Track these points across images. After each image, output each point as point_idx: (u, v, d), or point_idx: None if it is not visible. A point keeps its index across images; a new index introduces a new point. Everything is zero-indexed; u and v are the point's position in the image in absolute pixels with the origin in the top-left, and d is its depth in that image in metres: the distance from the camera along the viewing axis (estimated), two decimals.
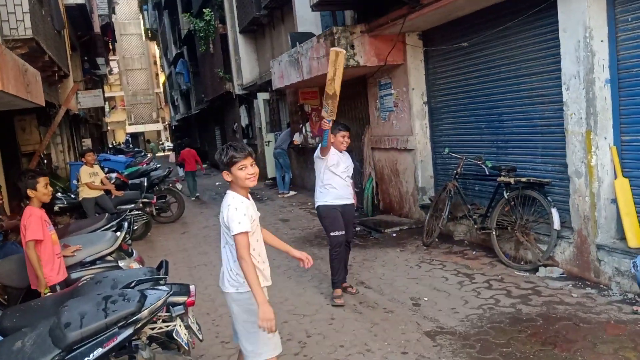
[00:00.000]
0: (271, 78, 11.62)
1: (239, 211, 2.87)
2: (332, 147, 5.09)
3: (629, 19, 4.72)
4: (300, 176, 13.92)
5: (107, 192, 8.73)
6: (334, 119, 5.01)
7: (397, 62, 8.00)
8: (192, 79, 27.04)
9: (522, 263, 5.68)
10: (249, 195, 3.07)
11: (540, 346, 3.89)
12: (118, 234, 5.10)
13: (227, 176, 2.97)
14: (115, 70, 49.53)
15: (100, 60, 24.33)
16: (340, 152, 5.26)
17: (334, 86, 4.85)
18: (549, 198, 5.46)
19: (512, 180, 5.76)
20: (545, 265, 5.44)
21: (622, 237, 4.92)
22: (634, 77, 4.76)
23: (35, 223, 4.01)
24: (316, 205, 5.30)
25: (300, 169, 13.92)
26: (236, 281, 2.94)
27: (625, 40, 4.78)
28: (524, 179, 5.71)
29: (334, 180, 5.18)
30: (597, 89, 4.90)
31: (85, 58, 21.71)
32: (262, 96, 15.46)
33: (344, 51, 4.88)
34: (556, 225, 5.31)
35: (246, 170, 2.92)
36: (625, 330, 4.03)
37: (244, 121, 17.90)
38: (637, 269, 4.34)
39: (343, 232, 5.14)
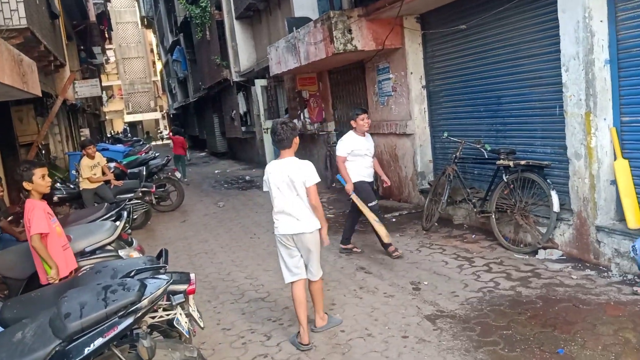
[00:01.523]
0: (268, 64, 11.55)
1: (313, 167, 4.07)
2: (354, 133, 6.06)
3: None
4: None
5: (107, 181, 8.71)
6: None
7: (395, 46, 7.94)
8: (189, 66, 26.85)
9: (521, 246, 5.69)
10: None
11: (540, 328, 3.90)
12: (117, 223, 5.09)
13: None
14: (112, 59, 49.21)
15: (96, 49, 24.14)
16: (364, 135, 6.09)
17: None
18: (548, 180, 5.45)
19: (511, 163, 5.74)
20: (544, 248, 5.45)
21: (622, 219, 4.92)
22: (634, 57, 4.73)
23: (38, 216, 3.96)
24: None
25: (299, 156, 13.85)
26: (314, 222, 4.04)
27: (625, 20, 4.73)
28: (523, 162, 5.69)
29: (363, 160, 6.11)
30: (597, 70, 4.86)
31: (82, 47, 21.56)
32: (259, 83, 15.37)
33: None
34: (555, 207, 5.30)
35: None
36: (625, 311, 4.05)
37: (242, 108, 17.82)
38: (636, 253, 4.34)
39: (376, 202, 6.13)
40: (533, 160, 5.73)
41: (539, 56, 5.67)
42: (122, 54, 55.66)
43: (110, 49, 44.27)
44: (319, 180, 4.03)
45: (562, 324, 3.93)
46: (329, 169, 10.96)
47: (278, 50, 10.50)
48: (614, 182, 4.97)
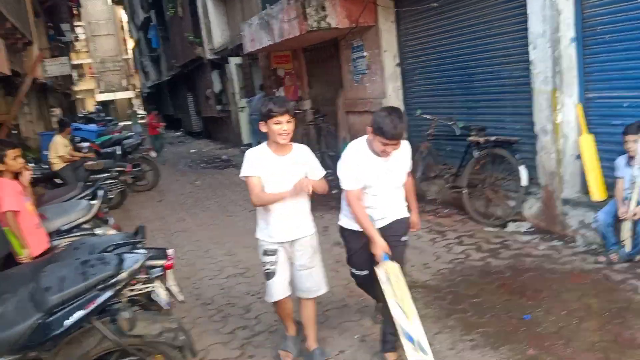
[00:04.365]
0: (242, 42, 11.46)
1: (247, 159, 3.18)
2: (367, 146, 3.22)
3: None
4: None
5: (83, 160, 8.70)
6: None
7: (369, 24, 7.97)
8: (161, 44, 26.38)
9: (492, 219, 5.87)
10: (288, 151, 3.19)
11: (508, 296, 4.09)
12: (93, 202, 5.09)
13: (262, 127, 3.14)
14: (82, 36, 47.92)
15: (65, 27, 23.51)
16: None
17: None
18: (516, 156, 5.62)
19: (481, 140, 5.90)
20: (514, 221, 5.64)
21: (586, 192, 5.12)
22: (599, 35, 4.87)
23: (9, 195, 3.98)
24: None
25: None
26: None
27: None
28: (493, 138, 5.85)
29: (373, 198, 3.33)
30: (563, 48, 5.00)
31: (50, 24, 20.97)
32: (234, 61, 15.24)
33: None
34: (524, 181, 5.49)
35: (280, 126, 3.05)
36: (588, 279, 4.26)
37: (217, 87, 17.66)
38: (597, 223, 4.55)
39: (364, 272, 3.46)
40: (503, 136, 5.89)
41: (509, 34, 5.78)
42: (92, 31, 54.22)
43: (80, 26, 43.04)
44: (247, 174, 3.23)
45: (529, 291, 4.12)
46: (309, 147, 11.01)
47: (252, 27, 10.42)
48: (579, 157, 5.15)
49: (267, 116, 3.08)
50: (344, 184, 3.23)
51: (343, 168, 3.23)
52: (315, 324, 3.48)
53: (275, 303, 3.41)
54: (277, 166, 3.17)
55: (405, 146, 3.29)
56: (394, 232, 3.30)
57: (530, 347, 3.33)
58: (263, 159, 3.18)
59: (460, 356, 3.34)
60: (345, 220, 3.44)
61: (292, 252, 3.32)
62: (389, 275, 3.08)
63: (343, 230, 3.50)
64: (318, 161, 3.33)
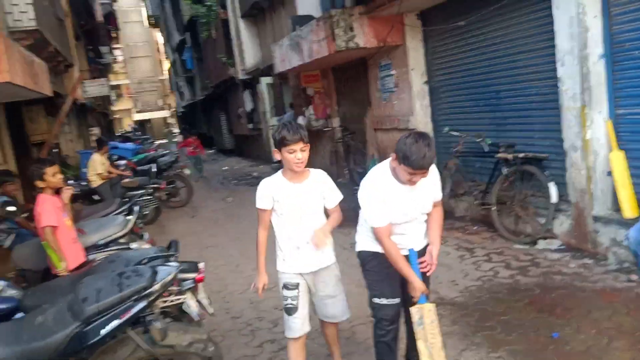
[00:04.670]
0: (273, 62, 11.71)
1: (260, 190, 3.10)
2: (391, 174, 2.94)
3: None
4: None
5: (120, 178, 9.06)
6: None
7: (396, 43, 8.07)
8: (196, 65, 27.10)
9: (521, 236, 5.82)
10: (304, 178, 3.07)
11: (537, 314, 4.05)
12: (129, 217, 5.29)
13: (276, 154, 3.02)
14: (120, 58, 49.59)
15: (104, 49, 24.47)
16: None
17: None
18: (546, 172, 5.58)
19: (510, 156, 5.88)
20: (544, 238, 5.58)
21: (618, 209, 5.03)
22: (628, 52, 4.83)
23: (48, 210, 4.17)
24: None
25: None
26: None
27: (618, 15, 4.84)
28: (521, 155, 5.82)
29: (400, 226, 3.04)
30: (591, 64, 4.98)
31: (90, 47, 21.84)
32: (265, 80, 15.55)
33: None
34: (554, 198, 5.44)
35: (294, 155, 2.92)
36: (620, 298, 4.19)
37: (249, 106, 18.01)
38: (629, 241, 4.47)
39: (394, 301, 3.08)
40: (532, 153, 5.86)
41: (536, 51, 5.78)
42: (130, 53, 56.04)
43: (118, 48, 44.63)
44: (260, 207, 3.18)
45: (558, 309, 4.07)
46: (335, 164, 11.12)
47: (282, 48, 10.65)
48: (609, 174, 5.09)
49: (280, 144, 2.94)
50: (372, 221, 2.92)
51: (369, 201, 2.92)
52: (339, 341, 3.44)
53: (291, 341, 3.22)
54: (293, 194, 3.05)
55: (433, 172, 2.96)
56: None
57: None
58: (277, 189, 3.06)
59: None
60: (366, 243, 3.12)
61: (314, 283, 3.17)
62: (424, 317, 2.94)
63: (365, 255, 3.12)
64: (335, 186, 3.19)
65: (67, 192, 4.55)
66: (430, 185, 3.00)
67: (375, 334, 3.14)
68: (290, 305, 3.12)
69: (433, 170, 2.95)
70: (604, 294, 4.27)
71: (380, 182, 2.93)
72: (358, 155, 10.39)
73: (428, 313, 2.95)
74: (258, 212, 3.13)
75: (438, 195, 3.08)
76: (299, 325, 3.14)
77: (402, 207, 2.92)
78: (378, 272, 3.06)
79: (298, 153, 2.92)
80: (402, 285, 3.03)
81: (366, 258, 3.13)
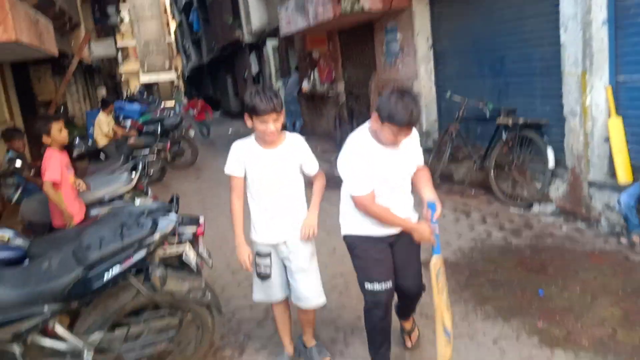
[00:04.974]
0: (279, 24, 11.64)
1: (230, 155, 2.90)
2: (371, 136, 2.73)
3: None
4: (310, 122, 14.08)
5: (126, 137, 9.20)
6: None
7: (403, 7, 8.01)
8: (202, 26, 26.86)
9: (517, 200, 5.92)
10: (278, 143, 2.85)
11: (525, 273, 4.18)
12: (133, 174, 5.42)
13: (247, 121, 2.78)
14: (127, 19, 49.06)
15: (110, 9, 24.19)
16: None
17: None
18: (544, 138, 5.63)
19: (510, 122, 5.92)
20: (539, 202, 5.68)
21: (613, 175, 5.10)
22: (631, 18, 4.81)
23: (53, 165, 4.30)
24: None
25: (310, 116, 14.07)
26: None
27: None
28: (521, 120, 5.86)
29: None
30: (594, 30, 4.96)
31: (96, 7, 21.64)
32: (271, 43, 15.45)
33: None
34: (551, 164, 5.51)
35: (266, 126, 2.71)
36: (608, 260, 4.30)
37: (255, 69, 17.94)
38: (620, 205, 4.56)
39: (387, 285, 2.84)
40: (532, 118, 5.89)
41: (541, 16, 5.76)
42: (137, 14, 55.38)
43: (125, 9, 44.11)
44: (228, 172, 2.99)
45: (546, 270, 4.20)
46: (338, 128, 11.16)
47: (288, 10, 10.57)
48: (607, 140, 5.13)
49: (252, 112, 2.70)
50: (354, 189, 2.70)
51: (349, 168, 2.68)
52: (314, 323, 3.24)
53: (274, 308, 3.18)
54: (266, 160, 2.84)
55: (414, 134, 2.81)
56: (408, 243, 2.86)
57: (540, 320, 3.44)
58: (249, 154, 2.86)
59: (472, 326, 3.48)
60: (352, 226, 2.86)
61: (287, 254, 2.99)
62: (439, 270, 2.80)
63: (353, 240, 2.88)
64: (312, 153, 2.98)
65: (82, 186, 4.71)
66: (412, 148, 2.82)
67: (368, 320, 2.93)
68: (263, 273, 3.02)
69: (415, 132, 2.80)
70: (592, 256, 4.39)
71: (361, 146, 2.70)
72: (363, 120, 10.40)
73: (440, 264, 2.83)
74: (231, 180, 2.93)
75: (420, 158, 2.91)
76: (276, 289, 3.07)
77: (384, 172, 2.70)
78: (367, 257, 2.83)
79: (271, 125, 2.70)
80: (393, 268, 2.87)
81: (354, 242, 2.88)
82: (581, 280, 3.97)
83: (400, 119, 2.51)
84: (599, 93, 5.12)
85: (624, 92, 5.05)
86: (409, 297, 3.06)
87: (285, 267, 3.06)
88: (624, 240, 4.56)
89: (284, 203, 2.91)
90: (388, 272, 2.83)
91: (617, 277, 3.99)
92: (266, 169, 2.85)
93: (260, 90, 2.70)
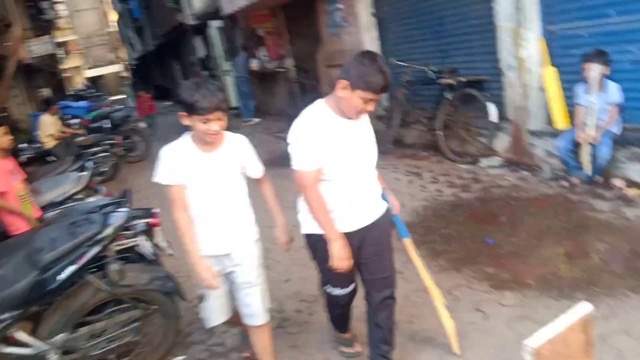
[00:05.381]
0: (220, 4, 11.45)
1: (164, 161, 2.52)
2: (330, 109, 2.41)
3: None
4: (263, 102, 14.01)
5: (73, 136, 8.97)
6: None
7: None
8: (144, 13, 26.11)
9: (466, 157, 6.12)
10: (218, 145, 2.50)
11: (475, 224, 4.38)
12: (83, 173, 5.35)
13: (184, 119, 2.40)
14: (64, 13, 47.11)
15: (45, 4, 23.23)
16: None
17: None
18: (486, 94, 5.81)
19: (453, 81, 6.08)
20: (486, 156, 5.89)
21: (551, 122, 5.34)
22: None
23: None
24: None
25: (262, 95, 13.99)
26: None
27: None
28: (464, 79, 6.03)
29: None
30: None
31: (30, 4, 20.73)
32: (215, 24, 15.17)
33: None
34: (493, 117, 5.70)
35: (207, 126, 2.35)
36: (550, 203, 4.54)
37: (201, 52, 17.62)
38: (559, 150, 4.79)
39: (349, 289, 2.72)
40: (473, 76, 6.06)
41: None
42: (74, 6, 53.08)
43: (60, 2, 42.33)
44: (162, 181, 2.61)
45: (494, 219, 4.41)
46: (292, 105, 11.16)
47: None
48: (543, 89, 5.34)
49: (191, 110, 2.32)
50: (298, 162, 2.36)
51: (298, 141, 2.36)
52: (274, 355, 2.86)
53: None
54: (204, 165, 2.48)
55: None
56: (382, 233, 2.64)
57: (490, 266, 3.64)
58: (187, 159, 2.48)
59: None
60: (315, 224, 2.51)
61: (231, 267, 2.65)
62: (412, 250, 2.92)
63: (316, 240, 2.55)
64: (256, 155, 2.67)
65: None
66: (367, 121, 2.55)
67: (329, 310, 2.91)
68: (202, 293, 2.76)
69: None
70: (536, 201, 4.62)
71: (317, 119, 2.37)
72: (314, 95, 10.41)
73: (411, 245, 2.94)
74: (168, 190, 2.54)
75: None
76: (214, 313, 2.79)
77: (348, 147, 2.39)
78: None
79: (213, 124, 2.35)
80: (357, 265, 2.63)
81: (316, 243, 2.56)
82: (527, 225, 4.19)
83: (376, 84, 2.22)
84: (533, 45, 5.31)
85: (556, 42, 5.24)
86: (378, 298, 2.66)
87: (230, 282, 2.73)
88: (564, 183, 4.80)
89: (227, 211, 2.57)
90: (350, 277, 2.65)
91: (558, 218, 4.23)
92: (206, 175, 2.50)
93: (201, 84, 2.34)
